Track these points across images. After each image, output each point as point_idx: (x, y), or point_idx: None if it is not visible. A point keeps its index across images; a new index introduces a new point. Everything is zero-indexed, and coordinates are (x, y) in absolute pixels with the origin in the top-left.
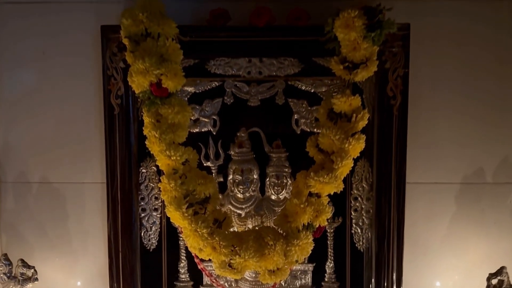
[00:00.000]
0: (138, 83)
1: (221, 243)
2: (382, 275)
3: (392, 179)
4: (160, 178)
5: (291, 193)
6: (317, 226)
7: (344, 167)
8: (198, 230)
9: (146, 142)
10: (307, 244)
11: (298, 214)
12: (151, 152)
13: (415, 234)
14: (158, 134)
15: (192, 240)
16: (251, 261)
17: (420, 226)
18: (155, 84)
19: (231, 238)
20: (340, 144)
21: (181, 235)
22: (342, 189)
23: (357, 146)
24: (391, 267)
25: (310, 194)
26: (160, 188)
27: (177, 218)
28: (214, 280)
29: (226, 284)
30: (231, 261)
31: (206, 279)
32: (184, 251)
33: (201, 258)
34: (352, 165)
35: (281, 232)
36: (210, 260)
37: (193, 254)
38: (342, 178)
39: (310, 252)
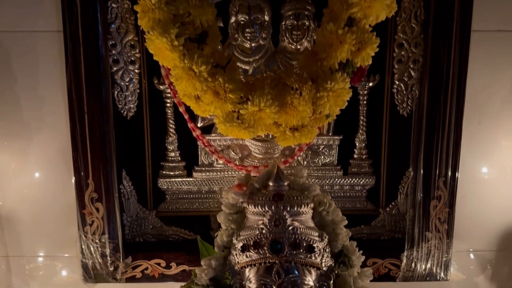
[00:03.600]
0: None
1: (226, 86)
2: (434, 146)
3: (454, 18)
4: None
5: (323, 21)
6: (358, 66)
7: None
8: (195, 68)
9: None
10: (343, 90)
11: (334, 46)
12: None
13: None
14: None
15: (186, 83)
16: (268, 111)
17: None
18: None
19: (240, 84)
20: None
21: (167, 99)
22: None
23: None
24: (446, 134)
25: (349, 23)
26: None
27: (163, 52)
28: (213, 152)
29: (228, 155)
30: (241, 111)
31: (202, 158)
32: (172, 122)
33: (201, 128)
34: None
35: (307, 77)
36: (210, 131)
37: (186, 118)
38: None
39: (346, 104)
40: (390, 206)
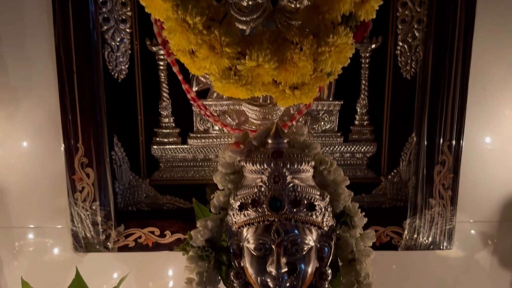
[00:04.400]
0: None
1: (222, 39)
2: (439, 110)
3: None
4: None
5: None
6: (361, 19)
7: None
8: (189, 19)
9: None
10: (346, 46)
11: None
12: None
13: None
14: None
15: (180, 37)
16: (267, 66)
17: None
18: None
19: (237, 38)
20: None
21: (160, 61)
22: None
23: None
24: (451, 97)
25: None
26: None
27: (155, 3)
28: (208, 115)
29: (224, 121)
30: (238, 66)
31: (197, 124)
32: (166, 86)
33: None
34: None
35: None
36: (205, 96)
37: (180, 79)
38: None
39: (349, 61)
40: (392, 173)
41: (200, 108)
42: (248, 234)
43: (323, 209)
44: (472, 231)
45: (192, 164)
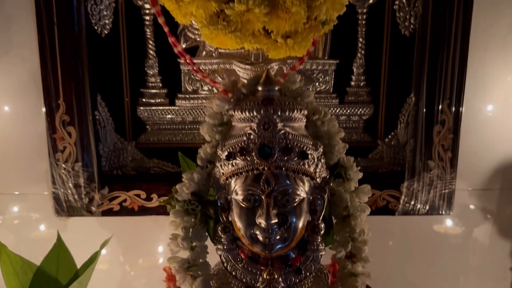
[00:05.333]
0: None
1: None
2: (438, 67)
3: None
4: None
5: None
6: None
7: None
8: None
9: None
10: None
11: None
12: None
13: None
14: None
15: None
16: (257, 11)
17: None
18: None
19: None
20: None
21: (146, 16)
22: None
23: None
24: (451, 54)
25: None
26: None
27: None
28: (196, 71)
29: (214, 78)
30: (227, 11)
31: (186, 84)
32: (152, 43)
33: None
34: None
35: None
36: (194, 54)
37: (166, 32)
38: None
39: (345, 8)
40: (389, 137)
41: (188, 63)
42: (236, 185)
43: (316, 159)
44: (471, 199)
45: (180, 127)
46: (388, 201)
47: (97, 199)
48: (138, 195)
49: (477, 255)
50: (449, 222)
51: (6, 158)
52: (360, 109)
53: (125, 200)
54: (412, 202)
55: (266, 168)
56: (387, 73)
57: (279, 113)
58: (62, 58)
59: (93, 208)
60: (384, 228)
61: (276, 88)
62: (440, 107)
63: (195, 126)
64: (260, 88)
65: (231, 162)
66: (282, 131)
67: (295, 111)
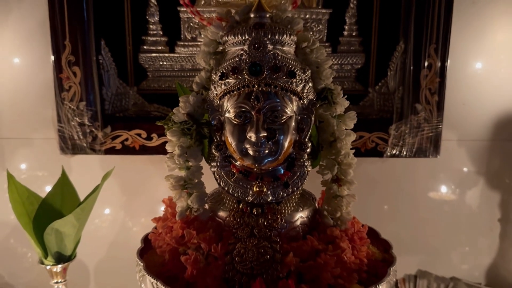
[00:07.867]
0: None
1: None
2: (425, 12)
3: None
4: None
5: None
6: None
7: None
8: None
9: None
10: None
11: None
12: None
13: None
14: None
15: None
16: None
17: None
18: None
19: None
20: None
21: None
22: None
23: None
24: (436, 12)
25: None
26: None
27: None
28: (194, 13)
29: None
30: None
31: (185, 32)
32: None
33: None
34: None
35: None
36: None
37: None
38: None
39: None
40: (379, 84)
41: (186, 5)
42: (228, 104)
43: (303, 80)
44: (460, 150)
45: (179, 74)
46: (377, 143)
47: (100, 137)
48: (139, 135)
49: (465, 206)
50: (438, 169)
51: (17, 106)
52: (352, 58)
53: (126, 139)
54: (400, 144)
55: (256, 86)
56: (378, 23)
57: (269, 36)
58: (71, 21)
59: (97, 146)
60: (372, 169)
61: (268, 15)
62: (427, 51)
63: (194, 74)
64: (252, 15)
65: (224, 81)
66: (272, 52)
67: (285, 35)
